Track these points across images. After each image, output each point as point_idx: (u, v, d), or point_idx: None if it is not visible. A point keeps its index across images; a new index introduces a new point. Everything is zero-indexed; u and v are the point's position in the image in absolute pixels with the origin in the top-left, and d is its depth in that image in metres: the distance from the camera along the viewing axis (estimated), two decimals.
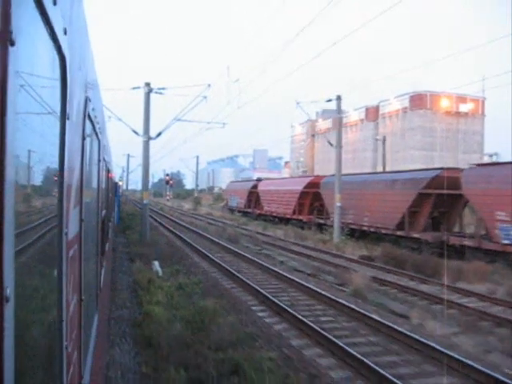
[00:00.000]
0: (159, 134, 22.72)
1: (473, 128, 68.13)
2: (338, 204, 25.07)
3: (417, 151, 69.40)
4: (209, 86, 21.17)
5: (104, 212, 5.51)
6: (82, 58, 2.09)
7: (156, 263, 14.94)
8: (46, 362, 1.44)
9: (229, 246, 21.65)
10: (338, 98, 25.41)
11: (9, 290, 0.81)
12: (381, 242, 22.26)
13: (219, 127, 25.16)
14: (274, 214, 37.85)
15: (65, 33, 1.39)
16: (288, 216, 35.05)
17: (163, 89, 22.54)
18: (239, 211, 47.50)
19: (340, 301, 11.22)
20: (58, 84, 1.44)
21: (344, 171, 27.05)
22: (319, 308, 11.16)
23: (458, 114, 66.95)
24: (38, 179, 1.36)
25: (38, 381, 1.34)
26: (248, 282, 13.44)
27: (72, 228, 1.73)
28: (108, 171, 7.40)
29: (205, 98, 21.29)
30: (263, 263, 17.00)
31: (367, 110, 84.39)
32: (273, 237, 27.56)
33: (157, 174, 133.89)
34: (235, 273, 14.88)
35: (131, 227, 27.15)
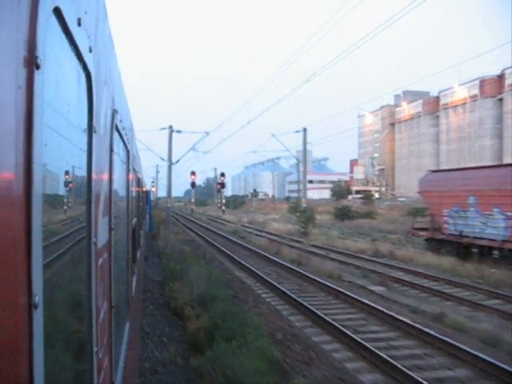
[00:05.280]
0: None
1: None
2: None
3: None
4: None
5: (135, 220, 5.56)
6: (109, 73, 2.16)
7: None
8: (76, 366, 1.48)
9: None
10: None
11: (37, 298, 0.83)
12: None
13: None
14: None
15: (90, 51, 1.44)
16: None
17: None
18: None
19: None
20: (84, 99, 1.49)
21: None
22: None
23: None
24: (67, 191, 1.41)
25: None
26: None
27: (101, 237, 1.77)
28: (138, 180, 7.48)
29: None
30: None
31: (482, 82, 62.47)
32: None
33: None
34: None
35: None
